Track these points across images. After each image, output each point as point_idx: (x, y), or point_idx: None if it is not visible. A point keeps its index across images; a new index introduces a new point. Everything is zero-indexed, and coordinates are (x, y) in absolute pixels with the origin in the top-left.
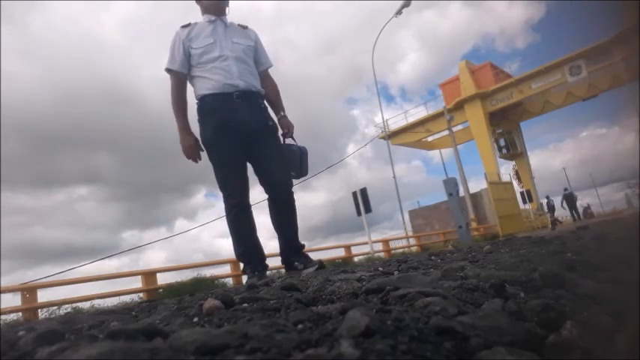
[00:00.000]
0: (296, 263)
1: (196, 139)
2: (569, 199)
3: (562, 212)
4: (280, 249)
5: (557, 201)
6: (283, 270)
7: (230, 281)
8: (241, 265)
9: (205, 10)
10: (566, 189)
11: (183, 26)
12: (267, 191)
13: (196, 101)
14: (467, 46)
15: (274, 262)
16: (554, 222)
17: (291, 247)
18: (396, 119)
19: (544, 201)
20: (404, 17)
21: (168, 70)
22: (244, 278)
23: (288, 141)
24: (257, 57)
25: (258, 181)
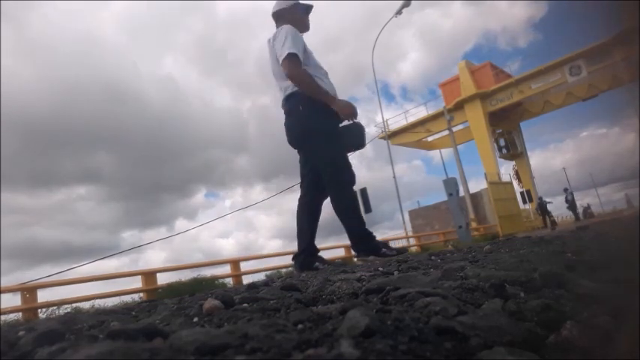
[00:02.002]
0: (317, 264)
1: None
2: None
3: (558, 212)
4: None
5: (557, 201)
6: (283, 270)
7: (230, 281)
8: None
9: (295, 25)
10: (566, 189)
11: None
12: (317, 190)
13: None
14: (468, 45)
15: (274, 262)
16: (553, 222)
17: (314, 249)
18: (397, 119)
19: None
20: (405, 16)
21: (293, 55)
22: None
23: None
24: None
25: (309, 178)
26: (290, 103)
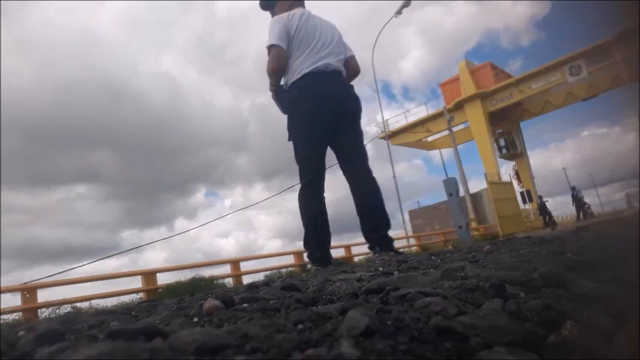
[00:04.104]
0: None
1: None
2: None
3: (559, 212)
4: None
5: (557, 202)
6: (283, 270)
7: (230, 281)
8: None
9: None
10: (573, 187)
11: None
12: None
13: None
14: (471, 43)
15: (274, 262)
16: (553, 222)
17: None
18: (397, 119)
19: (538, 201)
20: (407, 14)
21: None
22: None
23: None
24: None
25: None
26: (342, 77)
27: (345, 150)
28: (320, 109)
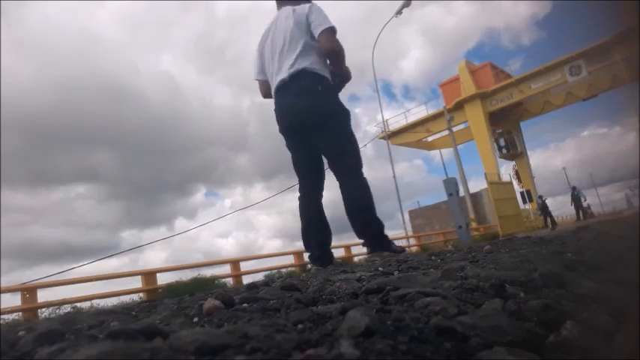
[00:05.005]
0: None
1: None
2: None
3: (558, 212)
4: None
5: (556, 201)
6: (283, 270)
7: (230, 281)
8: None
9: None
10: (574, 187)
11: None
12: (322, 183)
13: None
14: (471, 43)
15: (274, 262)
16: (554, 222)
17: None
18: (397, 119)
19: (539, 201)
20: (407, 14)
21: (335, 29)
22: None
23: None
24: None
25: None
26: (304, 80)
27: (326, 156)
28: (283, 127)
